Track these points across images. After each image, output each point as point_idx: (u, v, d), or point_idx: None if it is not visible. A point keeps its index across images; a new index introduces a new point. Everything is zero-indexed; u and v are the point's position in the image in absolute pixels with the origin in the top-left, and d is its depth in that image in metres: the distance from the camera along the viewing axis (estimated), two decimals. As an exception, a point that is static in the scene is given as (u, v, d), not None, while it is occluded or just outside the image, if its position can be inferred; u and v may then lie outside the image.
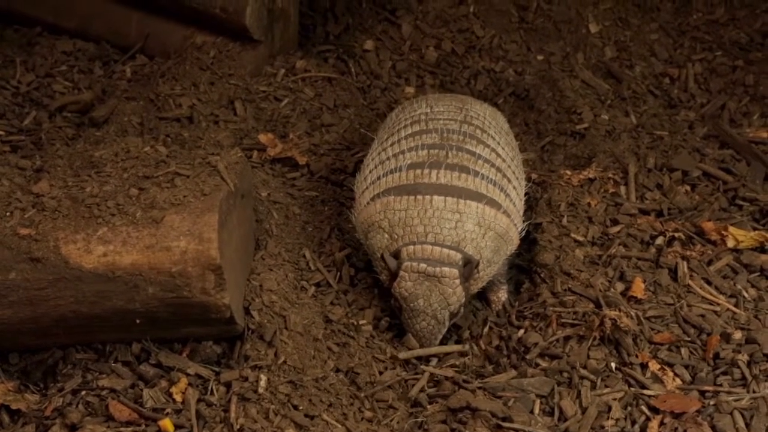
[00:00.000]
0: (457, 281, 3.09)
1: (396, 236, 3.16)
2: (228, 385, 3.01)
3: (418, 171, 3.19)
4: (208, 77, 4.26)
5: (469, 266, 3.10)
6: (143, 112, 4.09)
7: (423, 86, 4.65)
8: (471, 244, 3.13)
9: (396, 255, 3.15)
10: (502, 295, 3.49)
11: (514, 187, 3.34)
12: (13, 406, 2.97)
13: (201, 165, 3.20)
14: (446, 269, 3.08)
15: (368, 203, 3.26)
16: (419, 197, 3.14)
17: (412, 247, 3.11)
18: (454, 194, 3.15)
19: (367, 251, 3.34)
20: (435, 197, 3.13)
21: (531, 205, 3.73)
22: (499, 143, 3.39)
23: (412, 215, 3.13)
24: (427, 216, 3.12)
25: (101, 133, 3.95)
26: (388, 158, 3.31)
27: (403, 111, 3.61)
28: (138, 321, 3.03)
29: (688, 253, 3.54)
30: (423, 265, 3.08)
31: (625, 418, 2.96)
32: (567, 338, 3.21)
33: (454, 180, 3.17)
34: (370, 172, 3.36)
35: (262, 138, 4.02)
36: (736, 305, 3.36)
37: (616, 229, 3.65)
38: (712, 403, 2.98)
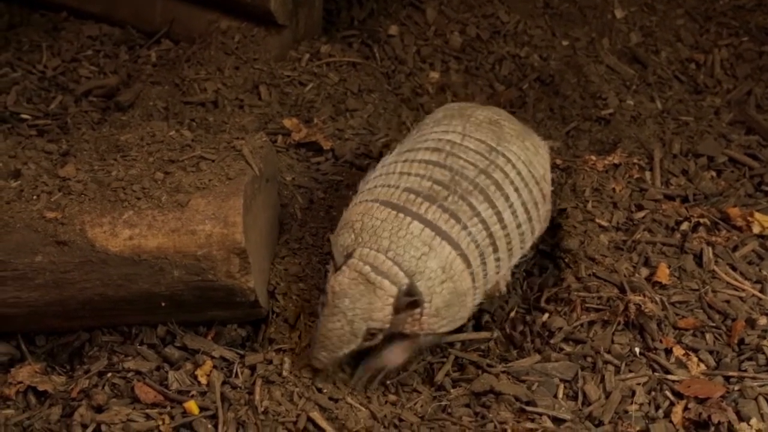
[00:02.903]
0: (391, 300, 2.87)
1: (360, 240, 2.96)
2: (252, 368, 3.03)
3: (412, 196, 3.01)
4: (232, 62, 4.26)
5: (408, 299, 2.88)
6: (168, 96, 4.10)
7: (448, 71, 4.65)
8: (425, 282, 2.91)
9: (349, 255, 2.95)
10: (394, 358, 3.15)
11: (497, 259, 3.10)
12: (40, 388, 3.00)
13: (226, 149, 3.21)
14: (387, 282, 2.86)
15: (356, 205, 3.14)
16: (401, 215, 2.96)
17: (367, 250, 2.92)
18: (435, 231, 2.95)
19: (331, 251, 3.04)
20: (415, 223, 2.94)
21: (555, 191, 3.72)
22: (511, 205, 3.12)
23: (384, 227, 2.95)
24: (398, 235, 2.93)
25: (127, 118, 3.97)
26: (393, 173, 3.15)
27: (438, 124, 3.37)
28: (163, 304, 3.05)
29: (713, 238, 3.53)
30: (367, 268, 2.88)
31: (649, 403, 2.96)
32: (591, 323, 3.21)
33: (440, 222, 2.96)
34: (375, 177, 3.22)
35: (287, 122, 4.03)
36: (761, 291, 3.35)
37: (641, 214, 3.64)
38: (736, 388, 2.98)
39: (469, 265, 2.98)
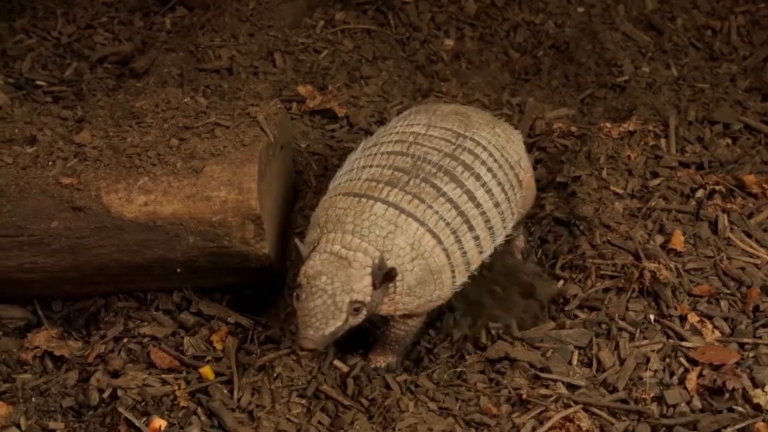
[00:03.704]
0: (368, 270, 2.76)
1: (325, 231, 2.86)
2: (267, 335, 3.04)
3: (373, 184, 2.93)
4: (247, 29, 4.26)
5: (384, 271, 2.77)
6: (183, 63, 4.11)
7: (462, 38, 4.63)
8: (395, 260, 2.82)
9: (314, 245, 2.86)
10: (381, 360, 3.09)
11: (475, 238, 2.99)
12: (57, 353, 3.02)
13: (241, 116, 3.21)
14: (360, 254, 2.77)
15: (321, 203, 3.03)
16: (363, 200, 2.88)
17: (333, 234, 2.83)
18: (398, 210, 2.87)
19: (297, 251, 2.95)
20: (378, 204, 2.86)
21: (570, 158, 3.72)
22: (484, 184, 3.04)
23: (348, 214, 2.86)
24: (361, 218, 2.84)
25: (141, 84, 3.98)
26: (356, 168, 3.08)
27: (404, 119, 3.27)
28: (178, 270, 3.06)
29: (728, 205, 3.52)
30: (337, 246, 2.79)
31: (664, 370, 2.96)
32: (606, 290, 3.20)
33: (403, 203, 2.88)
34: (340, 174, 3.14)
35: (302, 89, 4.03)
36: (776, 258, 3.35)
37: (656, 181, 3.63)
38: (751, 355, 2.97)
39: (440, 242, 2.89)
